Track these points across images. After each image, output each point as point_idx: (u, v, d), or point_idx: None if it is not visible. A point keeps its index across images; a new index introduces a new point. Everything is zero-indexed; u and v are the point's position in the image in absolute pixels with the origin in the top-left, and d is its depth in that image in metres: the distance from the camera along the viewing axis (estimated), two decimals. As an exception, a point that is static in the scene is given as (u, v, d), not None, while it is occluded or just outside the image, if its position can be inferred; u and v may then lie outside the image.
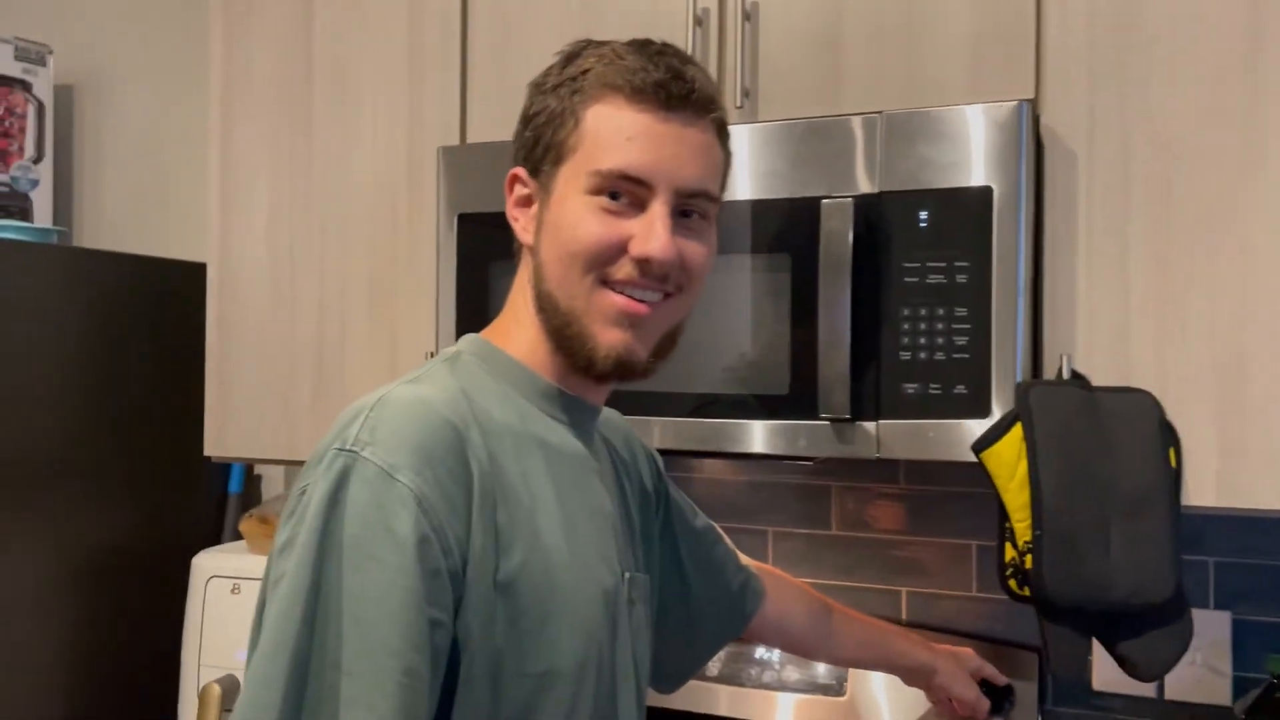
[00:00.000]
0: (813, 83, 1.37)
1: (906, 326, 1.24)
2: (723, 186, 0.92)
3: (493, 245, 1.46)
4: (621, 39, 1.44)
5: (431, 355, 1.52)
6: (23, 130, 1.99)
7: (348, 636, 0.70)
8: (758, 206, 1.32)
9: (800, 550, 1.70)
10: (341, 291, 1.64)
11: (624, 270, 0.84)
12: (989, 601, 1.53)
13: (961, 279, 1.21)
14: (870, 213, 1.25)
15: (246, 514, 1.79)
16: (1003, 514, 1.18)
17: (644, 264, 0.84)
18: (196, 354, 1.69)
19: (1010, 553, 1.18)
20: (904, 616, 1.64)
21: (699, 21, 1.41)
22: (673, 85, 0.84)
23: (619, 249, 0.83)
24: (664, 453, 1.56)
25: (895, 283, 1.24)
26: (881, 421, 1.25)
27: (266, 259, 1.68)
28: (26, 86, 2.00)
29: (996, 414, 1.19)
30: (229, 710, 1.61)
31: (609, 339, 0.85)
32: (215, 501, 1.99)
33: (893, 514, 1.65)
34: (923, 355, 1.23)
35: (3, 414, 1.63)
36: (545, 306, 0.87)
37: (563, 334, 0.86)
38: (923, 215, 1.24)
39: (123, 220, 2.15)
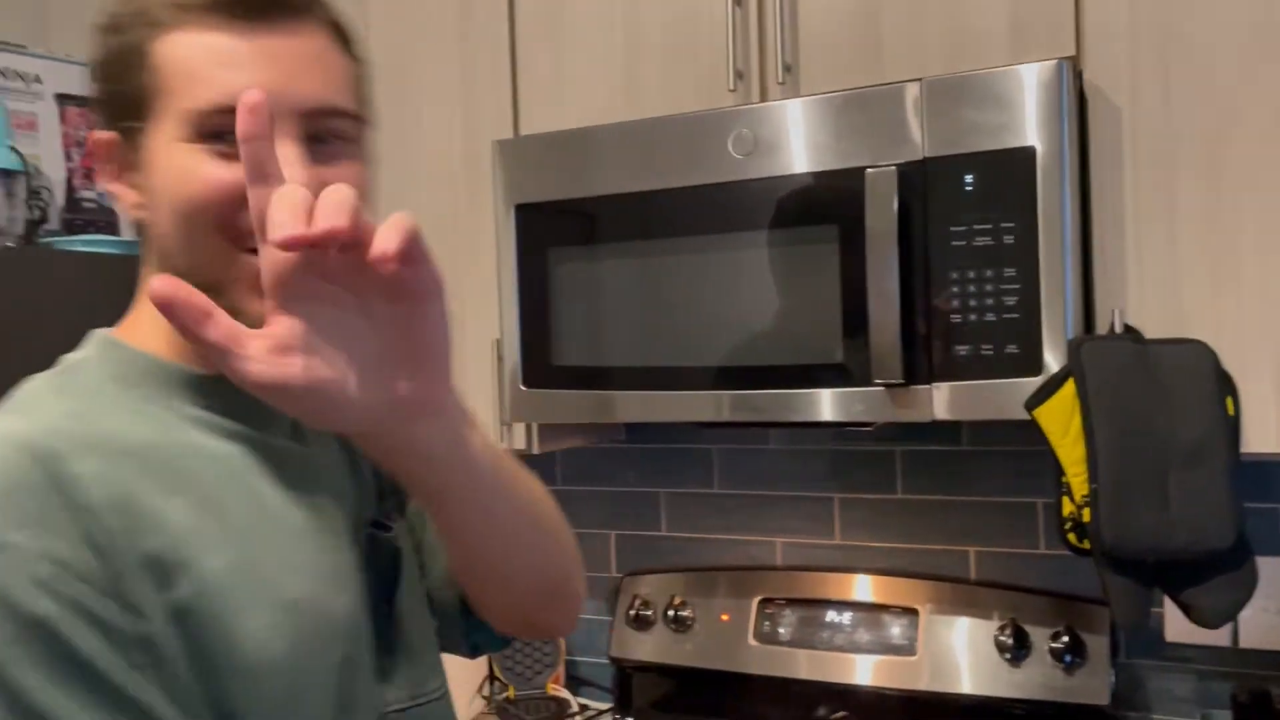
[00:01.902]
0: (853, 53, 1.39)
1: (956, 289, 1.26)
2: (362, 100, 0.74)
3: (551, 233, 1.52)
4: (664, 19, 1.49)
5: (497, 342, 1.59)
6: (106, 149, 2.10)
7: (68, 712, 0.60)
8: (803, 180, 1.34)
9: (867, 516, 1.73)
10: (410, 285, 1.70)
11: (242, 221, 0.65)
12: (1056, 558, 1.54)
13: (1009, 240, 1.23)
14: (915, 179, 1.27)
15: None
16: (1059, 469, 1.20)
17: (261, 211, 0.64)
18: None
19: (1068, 507, 1.20)
20: (973, 576, 1.66)
21: (738, 1, 1.44)
22: None
23: (242, 196, 0.63)
24: (722, 425, 1.60)
25: (943, 247, 1.26)
26: (936, 384, 1.27)
27: (338, 258, 1.75)
28: (107, 107, 2.10)
29: (1049, 372, 1.21)
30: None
31: (260, 308, 0.64)
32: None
33: (956, 475, 1.67)
34: (973, 317, 1.25)
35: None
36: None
37: None
38: (968, 179, 1.25)
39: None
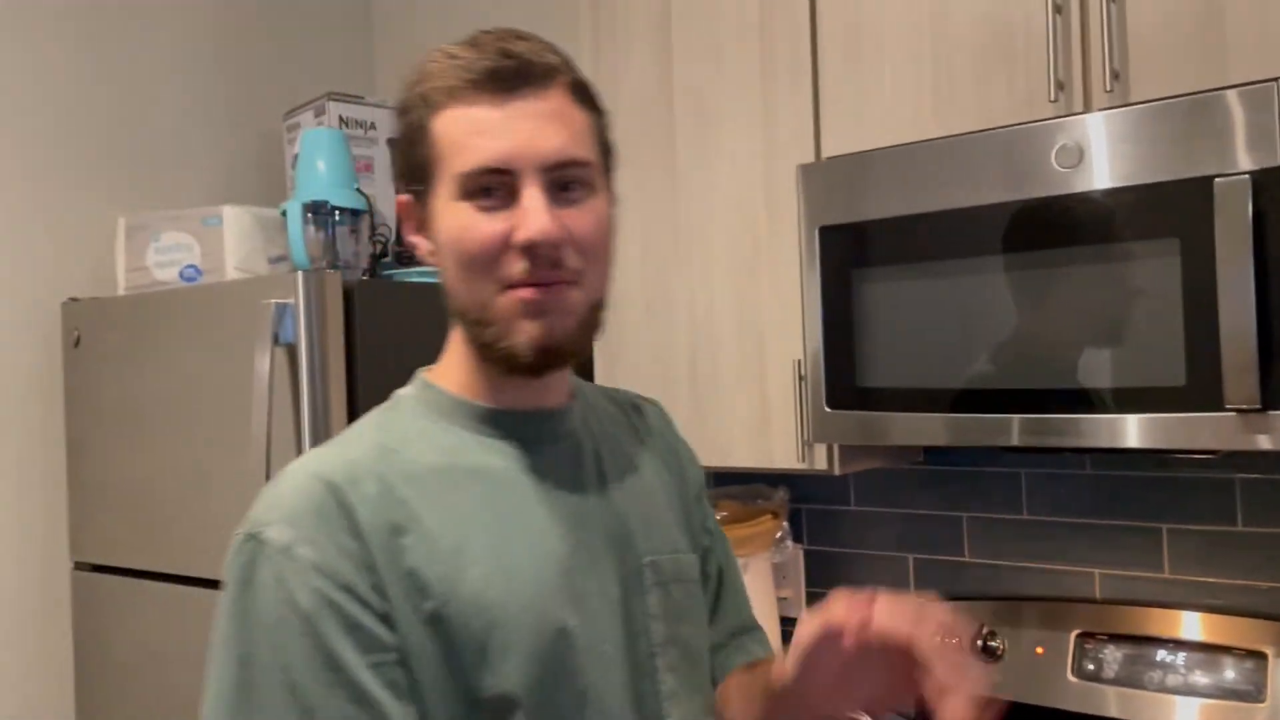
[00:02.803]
0: (1190, 57, 1.30)
1: (1323, 306, 1.15)
2: (603, 146, 0.88)
3: (854, 254, 1.52)
4: (974, 33, 1.46)
5: (798, 362, 1.60)
6: (429, 186, 2.31)
7: (282, 704, 0.74)
8: (1134, 192, 1.27)
9: (1200, 549, 1.60)
10: (710, 310, 1.76)
11: (517, 266, 0.80)
12: None
13: (1390, 250, 1.11)
14: (1269, 187, 1.17)
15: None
16: None
17: (530, 249, 0.80)
18: (586, 375, 1.88)
19: None
20: (1331, 619, 1.50)
21: (1058, 9, 1.39)
22: (502, 67, 0.81)
23: (504, 243, 0.80)
24: (1045, 451, 1.54)
25: (1306, 260, 1.15)
26: (1298, 410, 1.16)
27: (640, 285, 1.84)
28: (429, 148, 2.31)
29: None
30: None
31: (525, 332, 0.81)
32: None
33: (1311, 508, 1.51)
34: (1346, 336, 1.13)
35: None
36: (464, 322, 0.85)
37: (484, 342, 0.83)
38: (1335, 184, 1.14)
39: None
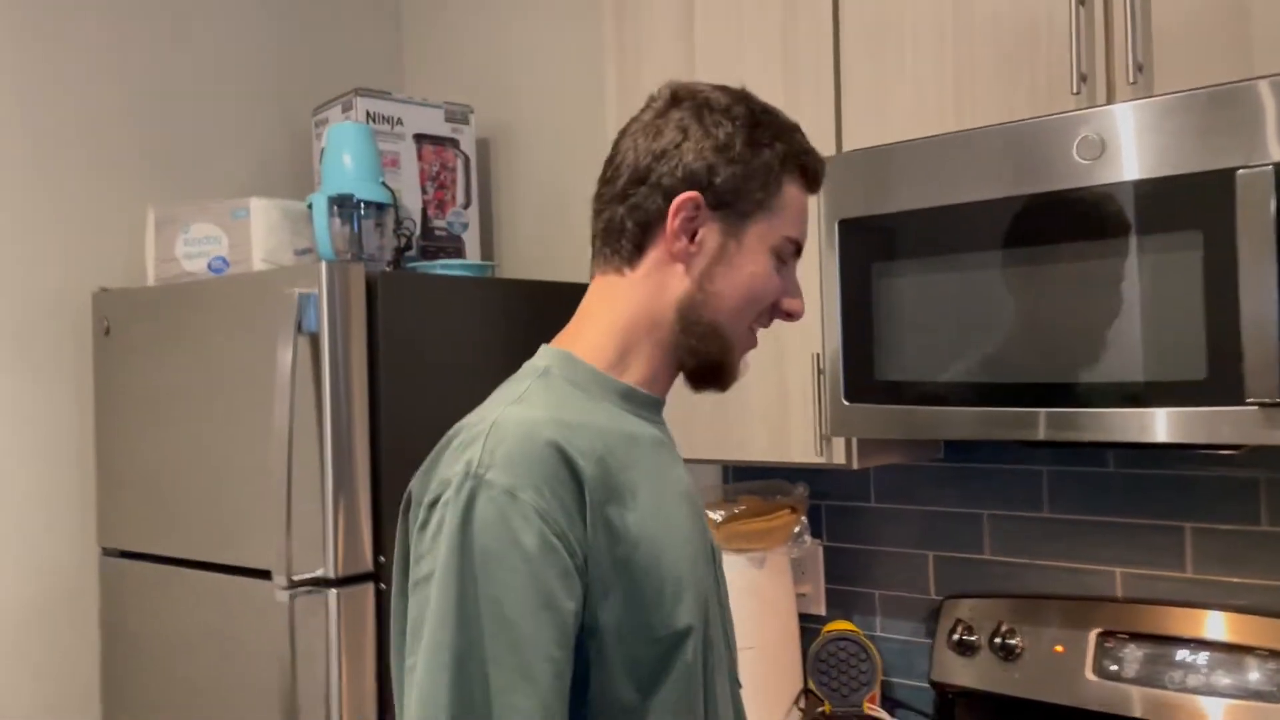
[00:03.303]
0: (1216, 49, 1.29)
1: (1348, 299, 1.13)
2: None
3: (873, 247, 1.51)
4: (997, 26, 1.45)
5: (817, 355, 1.60)
6: (454, 181, 2.32)
7: (496, 635, 0.81)
8: (1156, 185, 1.26)
9: (1224, 549, 1.58)
10: (731, 301, 1.75)
11: (769, 318, 1.00)
12: None
13: None
14: (1295, 179, 1.16)
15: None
16: None
17: (789, 317, 1.01)
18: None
19: None
20: (1357, 621, 1.47)
21: (1082, 1, 1.38)
22: (821, 173, 1.01)
23: (775, 301, 1.00)
24: (1066, 446, 1.52)
25: (1331, 253, 1.14)
26: (1322, 404, 1.15)
27: (663, 276, 1.84)
28: (455, 144, 2.33)
29: None
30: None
31: (742, 366, 1.01)
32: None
33: (1337, 507, 1.49)
34: (1371, 330, 1.12)
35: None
36: (701, 331, 0.97)
37: (709, 356, 0.98)
38: (1361, 176, 1.13)
39: (532, 251, 2.44)
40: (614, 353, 0.98)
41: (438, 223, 2.31)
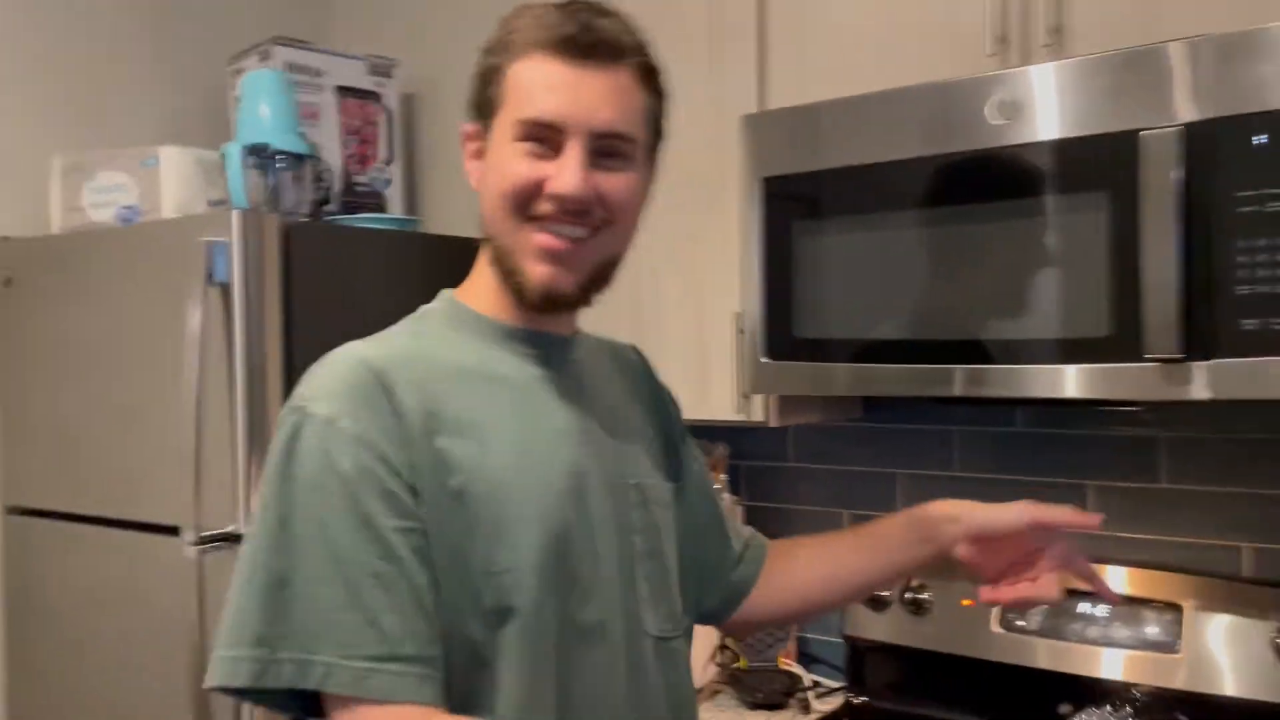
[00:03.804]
0: (1128, 12, 1.32)
1: (1243, 259, 1.17)
2: (654, 128, 0.98)
3: (796, 206, 1.52)
4: (918, -7, 1.47)
5: (738, 315, 1.61)
6: (376, 136, 2.28)
7: (317, 554, 0.82)
8: (1068, 145, 1.29)
9: (1126, 506, 1.64)
10: (653, 260, 1.75)
11: (543, 207, 0.91)
12: (1349, 557, 1.40)
13: (1307, 204, 1.13)
14: (1196, 142, 1.19)
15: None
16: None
17: (558, 200, 0.90)
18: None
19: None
20: (1245, 573, 1.54)
21: (999, -37, 1.39)
22: (581, 36, 0.90)
23: (538, 188, 0.91)
24: (973, 401, 1.56)
25: (1228, 213, 1.17)
26: (1216, 361, 1.19)
27: (586, 234, 1.83)
28: (378, 98, 2.28)
29: (1353, 347, 1.10)
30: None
31: (536, 273, 0.92)
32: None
33: (1230, 464, 1.55)
34: (1264, 289, 1.16)
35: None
36: (491, 247, 0.96)
37: (505, 270, 0.94)
38: (1258, 140, 1.16)
39: (460, 210, 2.40)
40: (492, 293, 0.98)
41: (359, 178, 2.26)
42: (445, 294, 1.02)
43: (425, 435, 0.87)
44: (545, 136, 0.90)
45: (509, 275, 0.94)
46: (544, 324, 0.99)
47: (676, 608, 1.03)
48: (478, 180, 0.97)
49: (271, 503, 0.85)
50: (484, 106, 0.95)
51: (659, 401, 1.15)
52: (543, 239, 0.92)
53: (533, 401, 0.95)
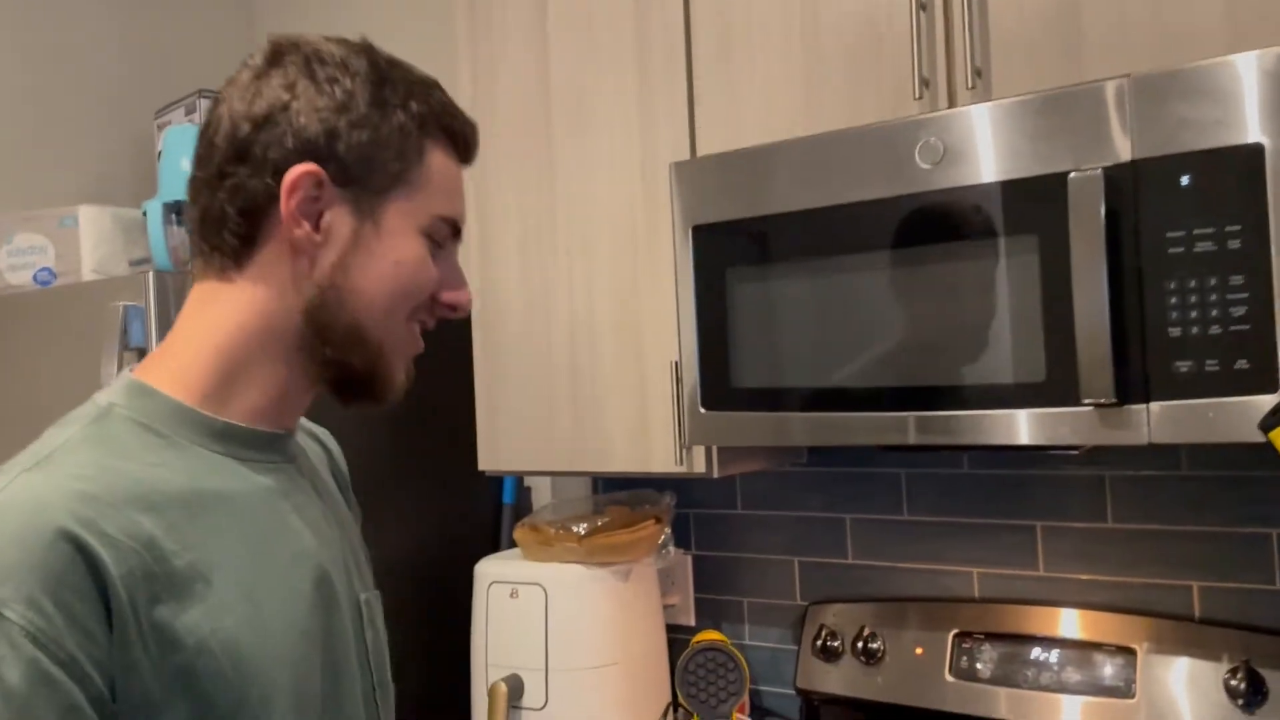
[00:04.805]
0: (1050, 53, 1.31)
1: (1175, 300, 1.15)
2: None
3: (729, 253, 1.49)
4: (843, 31, 1.45)
5: (675, 364, 1.58)
6: (309, 187, 2.24)
7: None
8: (995, 189, 1.27)
9: (1074, 546, 1.61)
10: (590, 310, 1.72)
11: (429, 311, 0.83)
12: (1297, 595, 1.38)
13: (1234, 245, 1.12)
14: (1123, 183, 1.18)
15: (519, 523, 1.92)
16: (1302, 499, 1.07)
17: (453, 310, 0.84)
18: (469, 374, 1.82)
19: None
20: (1197, 613, 1.51)
21: (923, 6, 1.38)
22: (473, 138, 0.85)
23: (434, 291, 0.83)
24: (917, 448, 1.53)
25: (1158, 254, 1.16)
26: (1153, 404, 1.16)
27: (520, 284, 1.79)
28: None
29: (1287, 389, 1.09)
30: (515, 706, 1.73)
31: (403, 376, 0.83)
32: (492, 512, 2.14)
33: (1176, 503, 1.53)
34: (1195, 330, 1.14)
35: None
36: (339, 338, 0.78)
37: (354, 367, 0.80)
38: (1184, 180, 1.15)
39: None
40: (213, 379, 0.77)
41: (292, 230, 2.21)
42: (128, 382, 0.78)
43: (141, 609, 0.67)
44: (443, 238, 0.83)
45: (370, 372, 0.80)
46: (284, 420, 0.82)
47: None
48: (309, 242, 0.77)
49: None
50: (374, 174, 0.78)
51: (346, 490, 1.01)
52: (419, 344, 0.84)
53: (260, 523, 0.77)
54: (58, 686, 0.64)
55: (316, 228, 0.77)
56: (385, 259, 0.79)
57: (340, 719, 0.79)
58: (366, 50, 0.81)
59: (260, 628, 0.73)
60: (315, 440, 0.98)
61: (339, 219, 0.78)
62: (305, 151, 0.76)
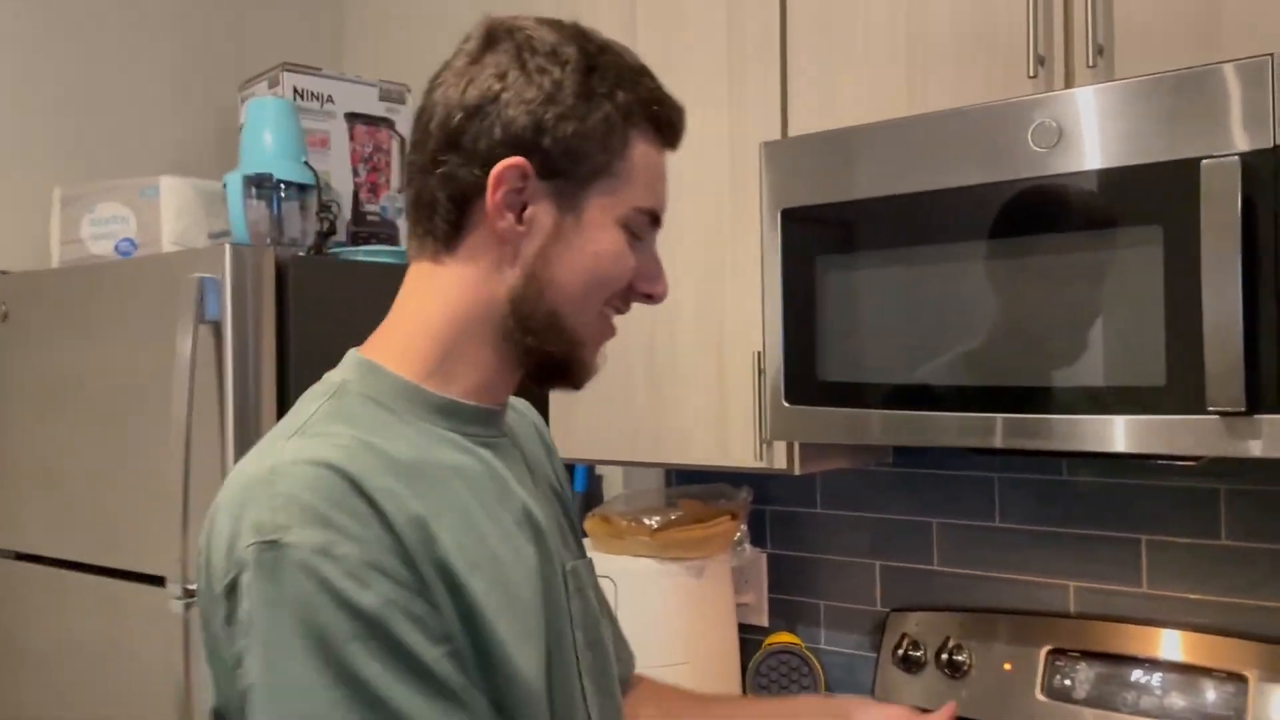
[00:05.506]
0: (1180, 30, 1.20)
1: (1317, 302, 1.05)
2: None
3: (819, 239, 1.42)
4: (952, 7, 1.36)
5: (758, 354, 1.50)
6: (388, 164, 2.21)
7: (405, 701, 0.68)
8: (1116, 175, 1.17)
9: (1182, 562, 1.50)
10: (671, 296, 1.64)
11: (624, 300, 0.85)
12: None
13: (1391, 241, 1.01)
14: (1262, 171, 1.07)
15: (590, 513, 1.87)
16: None
17: (649, 299, 0.86)
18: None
19: None
20: (1318, 642, 1.40)
21: (1040, -23, 1.29)
22: (680, 124, 0.85)
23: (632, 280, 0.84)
24: (1016, 453, 1.44)
25: (1299, 251, 1.05)
26: (1287, 414, 1.06)
27: (600, 267, 1.73)
28: (390, 124, 2.21)
29: None
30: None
31: (596, 362, 0.85)
32: (561, 501, 2.10)
33: (1300, 522, 1.42)
34: (1341, 335, 1.03)
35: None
36: (539, 325, 0.80)
37: (552, 354, 0.82)
38: (1333, 169, 1.04)
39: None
40: (432, 359, 0.80)
41: (370, 207, 2.19)
42: (357, 360, 0.82)
43: (423, 549, 0.72)
44: (642, 228, 0.84)
45: (565, 359, 0.83)
46: (496, 395, 0.85)
47: (619, 702, 0.92)
48: (513, 232, 0.79)
49: (312, 675, 0.66)
50: (579, 164, 0.79)
51: (553, 458, 1.02)
52: (612, 329, 0.86)
53: (491, 494, 0.80)
54: (402, 603, 0.69)
55: (520, 219, 0.79)
56: (584, 251, 0.80)
57: (563, 668, 0.82)
58: (578, 36, 0.82)
59: (506, 582, 0.77)
60: (516, 412, 0.99)
61: (542, 211, 0.80)
62: (512, 144, 0.78)
